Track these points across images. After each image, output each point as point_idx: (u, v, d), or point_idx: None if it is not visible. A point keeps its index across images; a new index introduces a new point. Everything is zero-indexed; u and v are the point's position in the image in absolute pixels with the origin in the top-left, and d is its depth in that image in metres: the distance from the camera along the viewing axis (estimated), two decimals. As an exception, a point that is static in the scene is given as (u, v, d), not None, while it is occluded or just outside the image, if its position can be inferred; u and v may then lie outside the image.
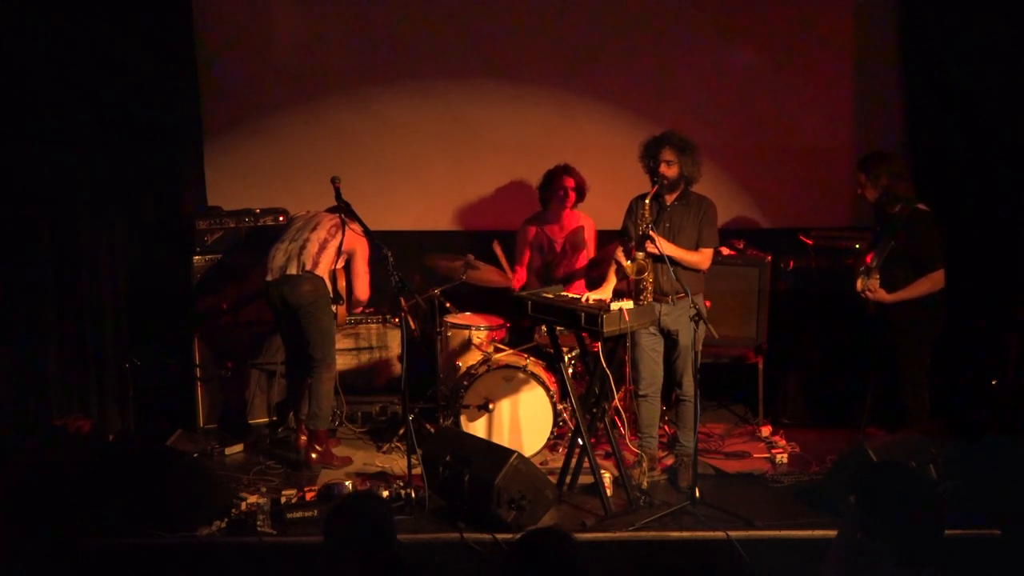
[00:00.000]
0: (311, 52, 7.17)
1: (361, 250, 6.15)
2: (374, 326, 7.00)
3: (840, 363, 6.48)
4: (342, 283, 6.24)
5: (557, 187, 6.69)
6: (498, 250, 6.79)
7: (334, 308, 6.14)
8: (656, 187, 5.56)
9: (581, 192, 6.73)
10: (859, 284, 5.70)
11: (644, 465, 5.70)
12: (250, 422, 6.81)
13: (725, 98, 7.07)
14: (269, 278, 6.07)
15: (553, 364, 6.10)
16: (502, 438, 6.04)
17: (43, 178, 6.49)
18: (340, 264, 6.16)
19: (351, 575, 3.47)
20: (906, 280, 5.64)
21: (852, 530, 3.29)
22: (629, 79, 7.10)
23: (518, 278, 6.83)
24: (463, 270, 6.48)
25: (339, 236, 6.08)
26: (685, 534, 5.14)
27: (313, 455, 6.04)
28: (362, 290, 6.21)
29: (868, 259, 5.73)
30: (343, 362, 6.84)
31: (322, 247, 6.05)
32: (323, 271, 6.03)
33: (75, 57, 6.47)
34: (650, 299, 5.54)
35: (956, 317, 6.20)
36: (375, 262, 6.09)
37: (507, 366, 6.17)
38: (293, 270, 5.99)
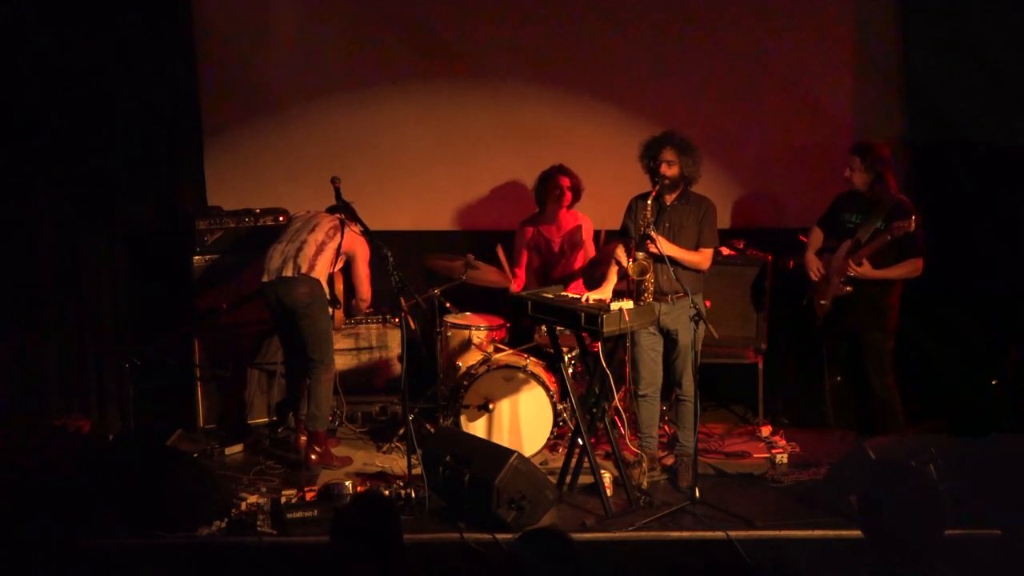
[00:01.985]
0: (311, 52, 7.17)
1: (361, 251, 6.13)
2: (374, 326, 7.00)
3: (840, 363, 6.46)
4: (340, 286, 6.23)
5: (552, 187, 6.70)
6: (500, 253, 6.78)
7: (331, 311, 6.13)
8: (657, 187, 5.56)
9: (577, 191, 6.74)
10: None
11: (644, 465, 5.70)
12: (250, 422, 6.80)
13: (725, 98, 7.06)
14: (265, 279, 6.06)
15: (553, 364, 6.10)
16: (502, 438, 6.04)
17: (43, 178, 6.50)
18: (339, 266, 6.15)
19: (356, 576, 3.47)
20: (885, 263, 5.69)
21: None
22: (628, 79, 7.10)
23: (517, 282, 6.83)
24: (463, 270, 6.47)
25: (337, 238, 6.07)
26: (685, 534, 5.14)
27: (313, 456, 6.04)
28: (365, 291, 6.20)
29: (851, 242, 5.77)
30: (343, 362, 6.85)
31: (319, 249, 6.03)
32: (319, 273, 6.01)
33: (75, 57, 6.48)
34: (650, 299, 5.54)
35: (957, 317, 6.21)
36: (375, 262, 6.08)
37: (507, 366, 6.17)
38: (289, 272, 5.98)
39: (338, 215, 6.12)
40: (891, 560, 3.07)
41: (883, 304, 5.77)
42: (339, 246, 6.06)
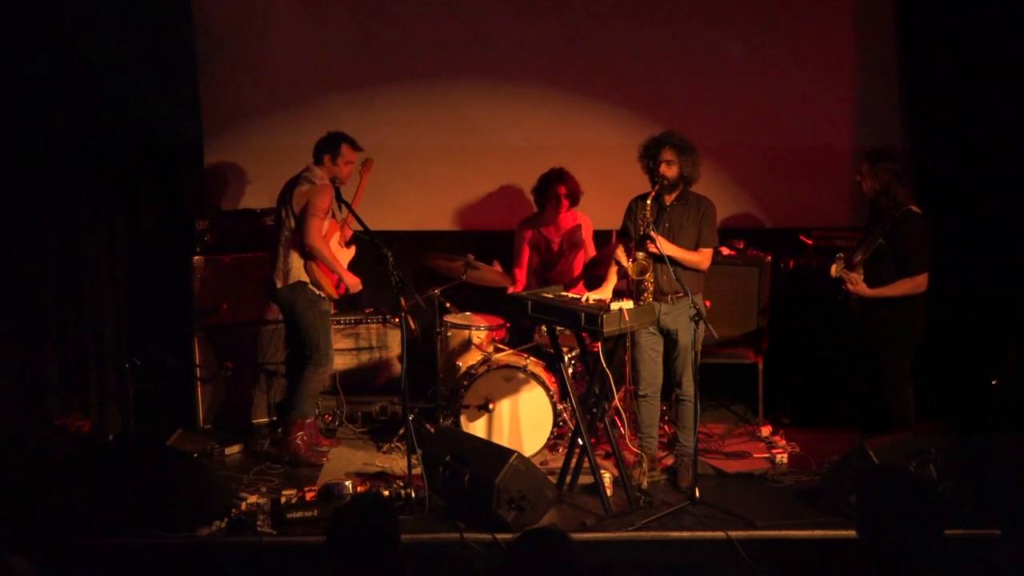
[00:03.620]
0: (311, 52, 7.18)
1: (316, 199, 5.98)
2: (374, 326, 7.00)
3: (840, 363, 6.47)
4: (322, 277, 6.13)
5: (550, 194, 6.70)
6: (497, 268, 6.77)
7: (320, 294, 6.09)
8: (656, 188, 5.57)
9: (574, 198, 6.73)
10: (834, 269, 5.69)
11: (644, 465, 5.71)
12: (250, 422, 6.81)
13: (725, 98, 7.07)
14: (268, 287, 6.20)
15: (553, 364, 6.10)
16: (502, 438, 6.04)
17: (43, 178, 6.49)
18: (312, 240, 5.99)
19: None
20: (889, 279, 5.63)
21: None
22: (628, 79, 7.10)
23: (518, 283, 6.82)
24: (463, 270, 6.48)
25: (291, 218, 6.04)
26: (685, 534, 5.14)
27: (294, 444, 6.09)
28: (309, 234, 5.97)
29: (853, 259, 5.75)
30: (343, 362, 6.86)
31: (286, 251, 6.04)
32: (296, 275, 6.03)
33: (75, 57, 6.47)
34: (650, 299, 5.54)
35: (956, 317, 6.21)
36: (375, 262, 6.07)
37: (507, 366, 6.17)
38: (276, 283, 6.09)
39: (294, 187, 6.03)
40: (889, 562, 3.08)
41: (898, 317, 5.65)
42: (294, 221, 6.01)
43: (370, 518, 3.49)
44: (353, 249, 6.29)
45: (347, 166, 6.11)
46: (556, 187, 6.69)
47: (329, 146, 6.09)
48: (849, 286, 5.65)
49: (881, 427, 5.89)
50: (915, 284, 5.62)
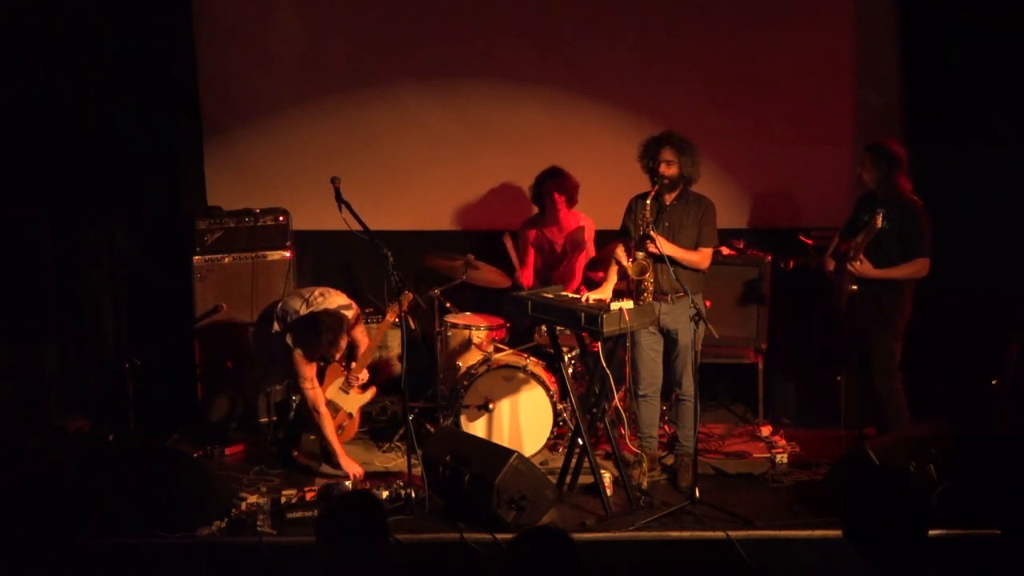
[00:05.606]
0: (311, 52, 7.18)
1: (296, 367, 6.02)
2: (374, 326, 6.99)
3: (839, 363, 6.47)
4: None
5: (545, 192, 6.70)
6: (508, 244, 6.77)
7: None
8: (656, 187, 5.57)
9: (571, 195, 6.72)
10: (875, 223, 5.55)
11: (644, 465, 5.70)
12: (250, 422, 6.80)
13: (724, 98, 7.06)
14: None
15: (553, 364, 6.10)
16: (502, 438, 6.04)
17: (43, 178, 6.50)
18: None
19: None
20: (890, 264, 5.67)
21: None
22: (628, 79, 7.09)
23: (526, 279, 6.82)
24: (463, 270, 6.48)
25: None
26: (685, 534, 5.14)
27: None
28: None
29: (853, 242, 5.76)
30: (344, 362, 6.87)
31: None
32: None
33: (75, 57, 6.48)
34: (650, 299, 5.54)
35: (957, 316, 6.21)
36: (375, 262, 6.06)
37: (507, 366, 6.17)
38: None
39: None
40: (875, 560, 3.08)
41: (890, 305, 5.71)
42: None
43: (358, 517, 3.48)
44: (372, 391, 6.27)
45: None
46: (550, 186, 6.69)
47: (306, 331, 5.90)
48: (856, 265, 5.65)
49: (875, 421, 5.90)
50: (919, 267, 5.67)
